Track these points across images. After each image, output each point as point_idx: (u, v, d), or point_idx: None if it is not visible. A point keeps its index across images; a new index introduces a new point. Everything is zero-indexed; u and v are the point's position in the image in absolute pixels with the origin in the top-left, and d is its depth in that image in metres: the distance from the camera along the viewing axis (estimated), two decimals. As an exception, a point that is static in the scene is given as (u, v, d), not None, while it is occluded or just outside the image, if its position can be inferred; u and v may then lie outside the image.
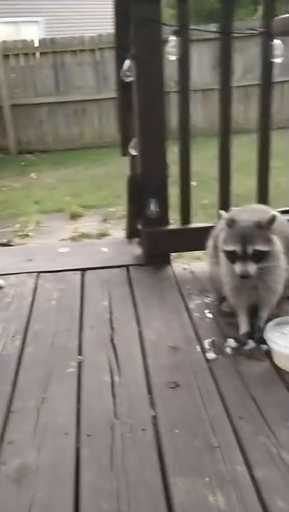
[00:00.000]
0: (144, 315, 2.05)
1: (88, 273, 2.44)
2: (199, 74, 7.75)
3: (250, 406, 1.51)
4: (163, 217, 2.48)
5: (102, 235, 4.13)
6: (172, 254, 2.62)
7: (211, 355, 1.76)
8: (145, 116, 2.33)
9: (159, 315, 2.05)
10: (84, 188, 5.92)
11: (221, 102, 2.41)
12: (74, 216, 4.86)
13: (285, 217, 2.02)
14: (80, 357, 1.79)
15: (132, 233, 2.76)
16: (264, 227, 1.71)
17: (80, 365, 1.75)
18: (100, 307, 2.13)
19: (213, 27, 2.40)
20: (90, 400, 1.57)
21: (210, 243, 2.04)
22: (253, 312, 1.89)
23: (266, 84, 2.40)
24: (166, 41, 2.24)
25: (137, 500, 1.22)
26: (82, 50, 8.21)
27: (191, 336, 1.89)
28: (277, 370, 1.67)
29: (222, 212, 1.84)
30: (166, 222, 2.52)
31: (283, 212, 2.18)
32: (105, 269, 2.47)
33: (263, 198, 2.50)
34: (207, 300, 2.14)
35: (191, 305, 2.11)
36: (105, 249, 2.76)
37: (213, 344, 1.82)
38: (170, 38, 2.23)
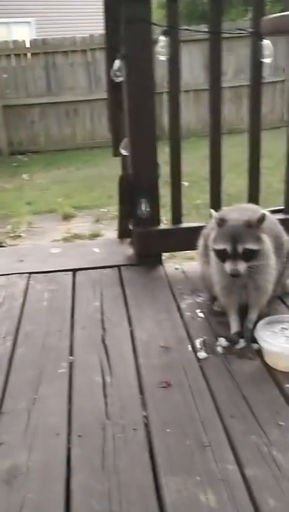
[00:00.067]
0: (135, 315, 2.05)
1: (80, 273, 2.44)
2: (191, 74, 7.77)
3: (241, 405, 1.51)
4: (154, 218, 2.48)
5: (95, 235, 4.13)
6: (165, 254, 2.63)
7: (202, 354, 1.76)
8: (135, 115, 2.33)
9: (150, 315, 2.05)
10: (76, 188, 5.92)
11: (211, 102, 2.41)
12: (66, 217, 4.85)
13: (275, 217, 2.03)
14: (71, 357, 1.79)
15: (123, 233, 2.75)
16: (254, 226, 1.71)
17: (71, 365, 1.74)
18: (91, 307, 2.13)
19: (204, 27, 2.40)
20: (81, 401, 1.57)
21: (200, 242, 2.05)
22: (244, 311, 1.89)
23: (256, 85, 2.41)
24: (156, 41, 2.24)
25: (129, 501, 1.22)
26: (73, 51, 8.22)
27: (182, 335, 1.90)
28: (268, 368, 1.67)
29: (212, 211, 1.85)
30: (158, 222, 2.52)
31: (273, 211, 2.19)
32: (97, 270, 2.46)
33: (253, 197, 2.51)
34: (199, 300, 2.15)
35: (183, 305, 2.12)
36: (97, 250, 2.75)
37: (204, 343, 1.83)
38: (160, 38, 2.23)
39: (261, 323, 1.78)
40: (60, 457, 1.35)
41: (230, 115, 7.79)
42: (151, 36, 2.24)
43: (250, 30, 2.29)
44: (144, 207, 2.43)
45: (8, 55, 8.09)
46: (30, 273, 2.45)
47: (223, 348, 1.79)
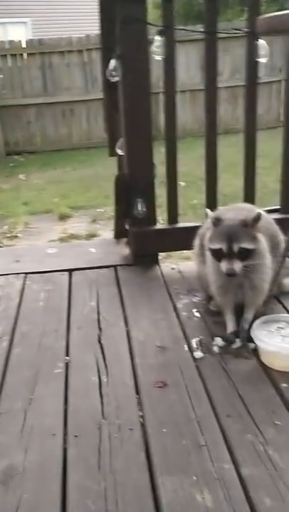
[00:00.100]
0: (131, 315, 2.05)
1: (76, 273, 2.44)
2: (187, 75, 7.78)
3: (237, 404, 1.51)
4: (150, 217, 2.48)
5: (91, 235, 4.13)
6: (162, 254, 2.63)
7: (198, 354, 1.76)
8: (131, 115, 2.33)
9: (146, 315, 2.05)
10: (72, 189, 5.91)
11: (206, 102, 2.41)
12: (63, 217, 4.85)
13: (271, 216, 2.03)
14: (67, 357, 1.79)
15: (120, 233, 2.75)
16: (249, 226, 1.72)
17: (67, 365, 1.74)
18: (87, 307, 2.12)
19: (200, 27, 2.41)
20: (77, 401, 1.56)
21: (196, 242, 2.05)
22: (241, 311, 1.89)
23: (251, 84, 2.41)
24: (151, 41, 2.24)
25: (125, 501, 1.22)
26: (69, 51, 8.20)
27: (178, 335, 1.90)
28: (264, 368, 1.67)
29: (208, 211, 1.85)
30: (154, 222, 2.52)
31: (269, 211, 2.20)
32: (93, 270, 2.46)
33: (249, 197, 2.51)
34: (195, 299, 2.15)
35: (179, 304, 2.12)
36: (93, 250, 2.75)
37: (200, 343, 1.83)
38: (155, 38, 2.23)
39: (257, 322, 1.78)
40: (56, 457, 1.35)
41: (226, 115, 7.80)
42: (146, 36, 2.24)
43: (245, 30, 2.29)
44: (140, 207, 2.43)
45: (4, 55, 8.07)
46: (26, 273, 2.45)
47: (220, 347, 1.79)
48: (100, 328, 1.96)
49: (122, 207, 2.56)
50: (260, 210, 1.77)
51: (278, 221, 2.04)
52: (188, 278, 2.31)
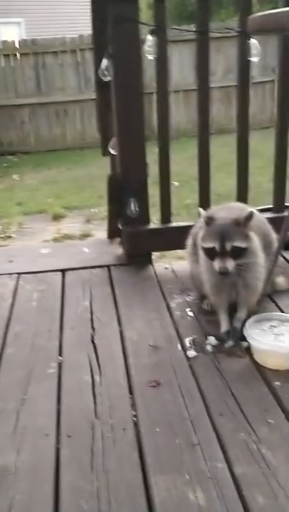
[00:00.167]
0: (125, 314, 2.05)
1: (69, 273, 2.43)
2: (181, 75, 7.79)
3: (230, 403, 1.51)
4: (143, 217, 2.48)
5: (85, 235, 4.12)
6: (155, 254, 2.63)
7: (191, 353, 1.76)
8: (124, 115, 2.32)
9: (140, 314, 2.05)
10: (66, 189, 5.91)
11: (199, 102, 2.41)
12: (56, 217, 4.84)
13: (264, 215, 2.04)
14: (60, 357, 1.78)
15: (113, 233, 2.75)
16: (242, 225, 1.72)
17: (60, 365, 1.74)
18: (80, 307, 2.12)
19: (193, 27, 2.41)
20: (70, 400, 1.56)
21: (189, 241, 2.05)
22: (234, 310, 1.90)
23: (244, 84, 2.42)
24: (144, 41, 2.24)
25: (118, 500, 1.21)
26: (63, 51, 8.20)
27: (172, 334, 1.89)
28: (257, 366, 1.68)
29: (200, 210, 1.85)
30: (147, 221, 2.52)
31: (262, 210, 2.20)
32: (86, 270, 2.46)
33: (242, 197, 2.52)
34: (188, 299, 2.15)
35: (172, 304, 2.12)
36: (87, 250, 2.75)
37: (193, 342, 1.83)
38: (147, 38, 2.23)
39: (250, 321, 1.79)
40: (49, 457, 1.35)
41: (219, 115, 7.81)
42: (138, 36, 2.23)
43: (237, 29, 2.29)
44: (133, 206, 2.42)
45: (-2, 56, 8.06)
46: (19, 273, 2.44)
47: (213, 346, 1.79)
48: (93, 328, 1.96)
49: (115, 207, 2.56)
50: (253, 209, 1.78)
51: (271, 220, 2.05)
52: (182, 277, 2.31)
